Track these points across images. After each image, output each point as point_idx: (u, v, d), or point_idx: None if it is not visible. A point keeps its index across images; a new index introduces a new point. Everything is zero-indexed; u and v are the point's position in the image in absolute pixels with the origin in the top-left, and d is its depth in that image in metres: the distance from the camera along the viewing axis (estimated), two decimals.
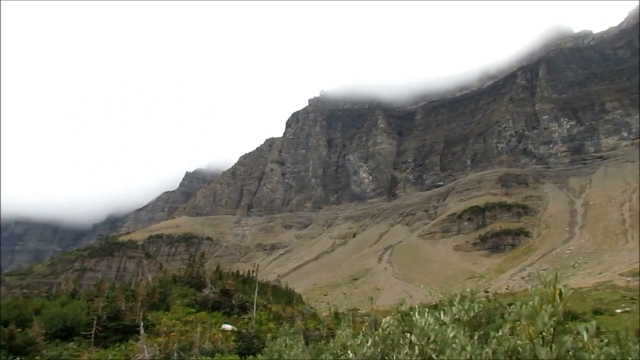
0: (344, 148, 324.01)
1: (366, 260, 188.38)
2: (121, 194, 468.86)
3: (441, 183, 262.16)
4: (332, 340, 5.91)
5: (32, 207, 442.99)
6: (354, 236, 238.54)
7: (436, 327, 3.70)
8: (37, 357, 23.72)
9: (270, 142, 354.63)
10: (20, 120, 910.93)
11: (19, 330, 26.34)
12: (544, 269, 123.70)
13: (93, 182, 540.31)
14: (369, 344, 4.49)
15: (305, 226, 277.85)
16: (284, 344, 9.76)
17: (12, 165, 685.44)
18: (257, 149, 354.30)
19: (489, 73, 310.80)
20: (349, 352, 4.27)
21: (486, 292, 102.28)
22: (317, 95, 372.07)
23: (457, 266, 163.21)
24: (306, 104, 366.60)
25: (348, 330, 6.03)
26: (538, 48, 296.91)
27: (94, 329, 19.26)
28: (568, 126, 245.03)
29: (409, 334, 3.93)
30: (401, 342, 4.26)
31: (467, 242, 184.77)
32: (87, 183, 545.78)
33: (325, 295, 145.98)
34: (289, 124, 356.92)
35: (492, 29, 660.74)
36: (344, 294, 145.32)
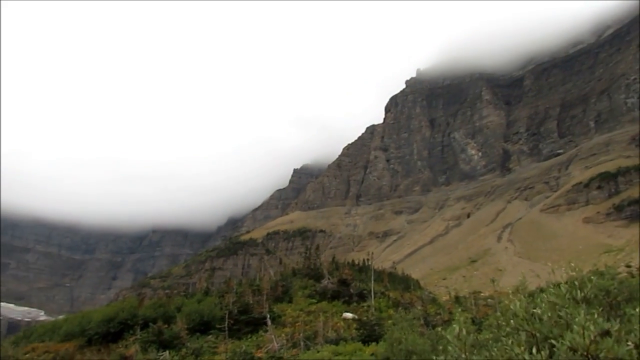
0: (447, 126, 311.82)
1: (484, 240, 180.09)
2: (238, 196, 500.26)
3: (561, 151, 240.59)
4: (452, 324, 5.82)
5: (165, 216, 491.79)
6: (468, 216, 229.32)
7: (562, 308, 3.49)
8: (183, 350, 26.40)
9: (371, 130, 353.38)
10: (155, 142, 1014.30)
11: (166, 326, 29.56)
12: None
13: (213, 189, 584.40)
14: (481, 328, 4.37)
15: (415, 210, 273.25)
16: (403, 331, 9.81)
17: (146, 180, 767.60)
18: (359, 138, 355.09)
19: (605, 22, 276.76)
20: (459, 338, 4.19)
21: (628, 266, 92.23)
22: (414, 75, 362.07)
23: (589, 240, 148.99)
24: (403, 86, 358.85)
25: (465, 314, 5.89)
26: None
27: (226, 322, 20.93)
28: None
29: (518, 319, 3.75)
30: (519, 326, 4.07)
31: (598, 212, 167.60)
32: (209, 191, 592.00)
33: (443, 279, 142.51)
34: (387, 109, 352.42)
35: None
36: (463, 277, 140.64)
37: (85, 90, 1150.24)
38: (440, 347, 5.66)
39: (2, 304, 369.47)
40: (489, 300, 59.61)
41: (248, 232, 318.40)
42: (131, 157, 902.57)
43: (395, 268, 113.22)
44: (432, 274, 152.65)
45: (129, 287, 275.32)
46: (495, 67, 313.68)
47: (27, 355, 34.76)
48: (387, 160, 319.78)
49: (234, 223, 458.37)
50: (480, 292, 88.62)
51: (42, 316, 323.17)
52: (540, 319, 3.53)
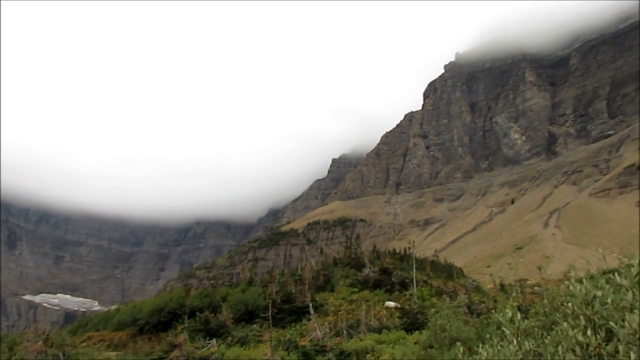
0: (489, 110, 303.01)
1: (530, 226, 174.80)
2: (278, 188, 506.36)
3: (611, 132, 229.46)
4: (496, 312, 5.70)
5: (208, 209, 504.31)
6: (512, 202, 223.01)
7: (611, 293, 3.47)
8: (229, 338, 27.12)
9: (409, 117, 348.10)
10: (198, 135, 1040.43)
11: (212, 315, 30.43)
12: None
13: (254, 181, 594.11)
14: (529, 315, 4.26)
15: (457, 198, 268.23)
16: (446, 318, 9.69)
17: (190, 175, 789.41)
18: (397, 125, 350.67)
19: None
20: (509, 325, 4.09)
21: None
22: (453, 59, 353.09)
23: None
24: (442, 71, 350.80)
25: (511, 301, 5.75)
26: None
27: (270, 311, 21.33)
28: None
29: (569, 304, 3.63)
30: (567, 311, 3.94)
31: None
32: (249, 183, 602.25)
33: (487, 267, 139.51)
34: (426, 95, 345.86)
35: None
36: (509, 264, 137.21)
37: (128, 90, 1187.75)
38: (487, 335, 5.56)
39: (59, 295, 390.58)
40: (536, 288, 57.97)
41: (288, 222, 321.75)
42: (175, 153, 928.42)
43: (438, 256, 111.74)
44: (475, 262, 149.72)
45: (176, 278, 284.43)
46: (538, 47, 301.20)
47: (83, 344, 36.66)
48: (427, 147, 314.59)
49: (274, 214, 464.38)
50: (527, 279, 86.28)
51: (96, 306, 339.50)
52: (604, 303, 3.57)
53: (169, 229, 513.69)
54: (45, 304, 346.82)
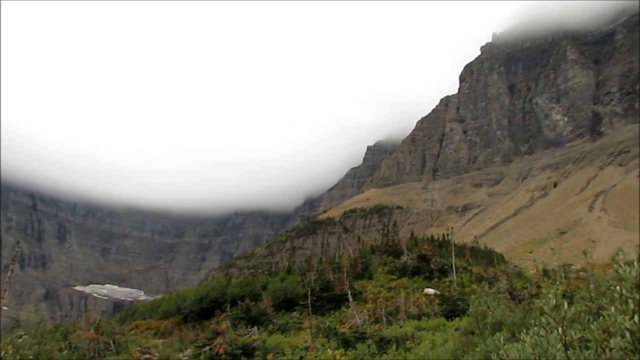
0: (529, 92, 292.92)
1: (574, 210, 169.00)
2: (314, 177, 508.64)
3: None
4: (541, 298, 5.57)
5: (246, 199, 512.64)
6: (555, 186, 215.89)
7: None
8: (270, 326, 27.64)
9: (445, 102, 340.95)
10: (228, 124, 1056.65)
11: (252, 303, 31.05)
12: None
13: (290, 171, 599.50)
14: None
15: (496, 182, 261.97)
16: (487, 304, 9.53)
17: (228, 166, 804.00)
18: (433, 111, 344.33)
19: None
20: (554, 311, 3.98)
21: None
22: (489, 40, 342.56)
23: None
24: (478, 53, 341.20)
25: (556, 286, 5.60)
26: None
27: (309, 299, 21.57)
28: None
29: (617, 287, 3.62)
30: (615, 295, 3.81)
31: None
32: (285, 172, 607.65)
33: (530, 252, 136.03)
34: (462, 79, 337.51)
35: None
36: (552, 249, 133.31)
37: (166, 85, 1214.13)
38: (532, 321, 5.45)
39: (107, 285, 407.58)
40: (581, 273, 56.11)
41: (325, 211, 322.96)
42: (213, 146, 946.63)
43: (477, 242, 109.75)
44: (517, 248, 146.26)
45: (217, 267, 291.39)
46: (580, 24, 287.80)
47: (132, 332, 38.22)
48: (464, 132, 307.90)
49: (310, 203, 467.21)
50: (571, 264, 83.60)
51: (142, 296, 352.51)
52: None
53: (209, 220, 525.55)
54: (95, 294, 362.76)
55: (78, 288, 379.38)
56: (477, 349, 7.76)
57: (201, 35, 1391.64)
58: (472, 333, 9.83)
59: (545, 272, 52.88)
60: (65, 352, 20.64)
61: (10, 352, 5.74)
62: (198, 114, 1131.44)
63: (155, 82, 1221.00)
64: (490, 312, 7.96)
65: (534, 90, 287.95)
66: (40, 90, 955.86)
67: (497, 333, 8.59)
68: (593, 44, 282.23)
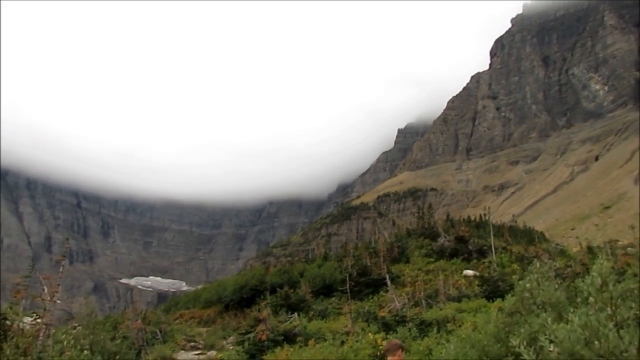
0: (564, 62, 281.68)
1: (618, 184, 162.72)
2: (345, 163, 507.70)
3: None
4: (587, 276, 5.40)
5: (279, 188, 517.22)
6: (596, 159, 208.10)
7: None
8: (309, 312, 27.97)
9: (476, 79, 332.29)
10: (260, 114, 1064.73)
11: (291, 290, 31.47)
12: None
13: (321, 158, 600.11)
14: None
15: (533, 159, 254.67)
16: (535, 282, 9.27)
17: (260, 156, 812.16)
18: (464, 89, 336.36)
19: None
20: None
21: None
22: (520, 11, 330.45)
23: None
24: (508, 25, 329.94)
25: (603, 263, 5.39)
26: None
27: (347, 284, 21.68)
28: None
29: None
30: None
31: None
32: (317, 159, 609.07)
33: (572, 229, 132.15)
34: (493, 53, 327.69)
35: None
36: (596, 225, 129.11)
37: (192, 80, 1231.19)
38: (579, 299, 5.29)
39: (150, 277, 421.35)
40: (629, 249, 54.12)
41: (358, 196, 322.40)
42: (243, 137, 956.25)
43: (516, 221, 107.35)
44: (558, 225, 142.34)
45: (254, 256, 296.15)
46: None
47: (177, 321, 39.51)
48: (497, 109, 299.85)
49: (343, 189, 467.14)
50: (617, 240, 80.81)
51: (184, 287, 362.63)
52: None
53: (244, 210, 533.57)
54: (139, 286, 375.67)
55: (123, 281, 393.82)
56: (522, 330, 7.59)
57: (228, 25, 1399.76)
58: (518, 313, 9.60)
59: (590, 250, 51.32)
60: (117, 341, 21.52)
61: (72, 342, 6.11)
62: (226, 105, 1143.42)
63: (183, 78, 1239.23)
64: (541, 291, 7.74)
65: (570, 61, 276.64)
66: (74, 93, 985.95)
67: (544, 313, 8.38)
68: (633, 6, 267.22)
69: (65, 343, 6.07)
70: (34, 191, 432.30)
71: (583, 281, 5.29)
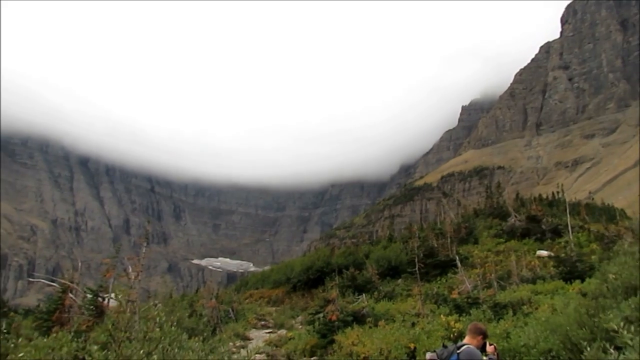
0: None
1: None
2: (407, 142, 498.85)
3: None
4: None
5: (342, 170, 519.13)
6: None
7: None
8: (376, 293, 28.04)
9: (546, 49, 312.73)
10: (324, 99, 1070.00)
11: (357, 272, 31.65)
12: None
13: (383, 138, 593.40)
14: None
15: (611, 131, 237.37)
16: (623, 265, 8.73)
17: (322, 138, 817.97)
18: (532, 60, 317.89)
19: None
20: None
21: None
22: None
23: None
24: None
25: None
26: None
27: (417, 265, 21.48)
28: None
29: None
30: None
31: None
32: (379, 140, 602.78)
33: None
34: (564, 20, 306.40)
35: None
36: None
37: (252, 67, 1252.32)
38: None
39: (220, 258, 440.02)
40: None
41: (422, 177, 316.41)
42: (304, 120, 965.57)
43: (593, 198, 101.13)
44: None
45: (318, 238, 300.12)
46: None
47: (247, 300, 41.10)
48: (570, 80, 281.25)
49: (406, 170, 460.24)
50: None
51: (251, 268, 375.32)
52: None
53: (307, 193, 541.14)
54: (210, 267, 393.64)
55: (195, 261, 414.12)
56: (610, 314, 7.19)
57: (289, 10, 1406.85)
58: (603, 295, 9.10)
59: None
60: (192, 318, 22.79)
61: (163, 318, 6.58)
62: (286, 89, 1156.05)
63: (246, 64, 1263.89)
64: (626, 273, 7.26)
65: None
66: (147, 86, 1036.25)
67: (632, 298, 7.88)
68: None
69: (158, 319, 6.50)
70: (113, 177, 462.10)
71: None
